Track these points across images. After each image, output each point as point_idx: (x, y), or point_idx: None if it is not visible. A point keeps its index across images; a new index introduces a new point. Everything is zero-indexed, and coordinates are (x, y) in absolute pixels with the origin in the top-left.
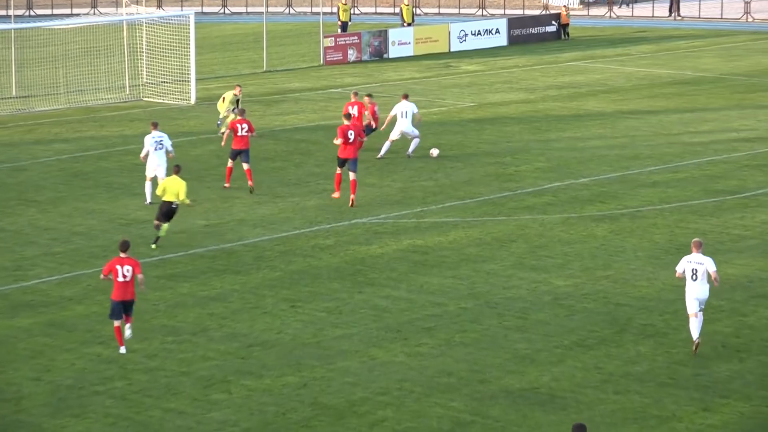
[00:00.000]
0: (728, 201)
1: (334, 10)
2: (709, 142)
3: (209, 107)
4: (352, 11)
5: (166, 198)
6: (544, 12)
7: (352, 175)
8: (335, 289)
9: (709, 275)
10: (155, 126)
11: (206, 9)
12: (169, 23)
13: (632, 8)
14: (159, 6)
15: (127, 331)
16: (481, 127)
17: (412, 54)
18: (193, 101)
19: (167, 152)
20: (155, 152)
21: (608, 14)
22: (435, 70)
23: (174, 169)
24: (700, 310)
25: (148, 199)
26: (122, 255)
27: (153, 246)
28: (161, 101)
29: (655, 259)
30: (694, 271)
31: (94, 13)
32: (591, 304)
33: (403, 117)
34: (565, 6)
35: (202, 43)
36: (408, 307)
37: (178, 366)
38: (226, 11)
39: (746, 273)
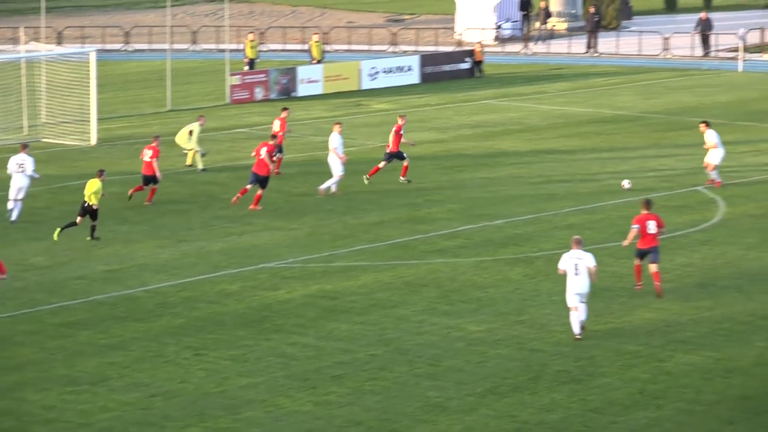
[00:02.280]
0: None
1: (241, 46)
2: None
3: (111, 148)
4: (259, 48)
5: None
6: (457, 48)
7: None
8: (241, 336)
9: (589, 270)
10: (24, 148)
11: (108, 46)
12: (70, 61)
13: (548, 44)
14: (59, 43)
15: None
16: (391, 167)
17: (321, 92)
18: (94, 142)
19: (30, 176)
20: (16, 174)
21: (524, 51)
22: (345, 108)
23: (97, 173)
24: (581, 302)
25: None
26: None
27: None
28: (61, 142)
29: None
30: (576, 266)
31: None
32: (505, 350)
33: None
34: (479, 42)
35: (103, 82)
36: (316, 355)
37: (77, 417)
38: (129, 48)
39: (663, 317)
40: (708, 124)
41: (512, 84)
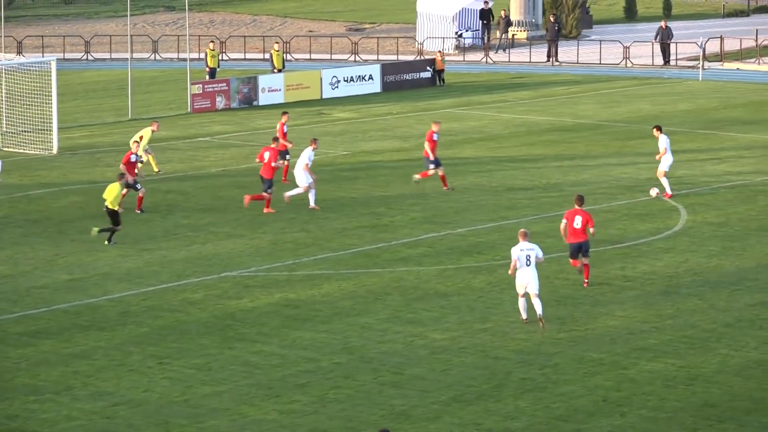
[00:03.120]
0: (608, 251)
1: (202, 56)
2: (588, 191)
3: (72, 157)
4: (220, 57)
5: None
6: (418, 57)
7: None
8: (204, 344)
9: (537, 260)
10: None
11: (68, 55)
12: (30, 70)
13: (509, 53)
14: (19, 52)
15: None
16: (354, 176)
17: (282, 101)
18: (55, 151)
19: None
20: None
21: (485, 60)
22: (306, 117)
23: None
24: (536, 295)
25: None
26: None
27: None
28: (22, 151)
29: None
30: (528, 258)
31: None
32: (469, 358)
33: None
34: (440, 51)
35: (64, 91)
36: (280, 363)
37: (40, 427)
38: (89, 57)
39: (627, 325)
40: (660, 129)
41: (473, 93)
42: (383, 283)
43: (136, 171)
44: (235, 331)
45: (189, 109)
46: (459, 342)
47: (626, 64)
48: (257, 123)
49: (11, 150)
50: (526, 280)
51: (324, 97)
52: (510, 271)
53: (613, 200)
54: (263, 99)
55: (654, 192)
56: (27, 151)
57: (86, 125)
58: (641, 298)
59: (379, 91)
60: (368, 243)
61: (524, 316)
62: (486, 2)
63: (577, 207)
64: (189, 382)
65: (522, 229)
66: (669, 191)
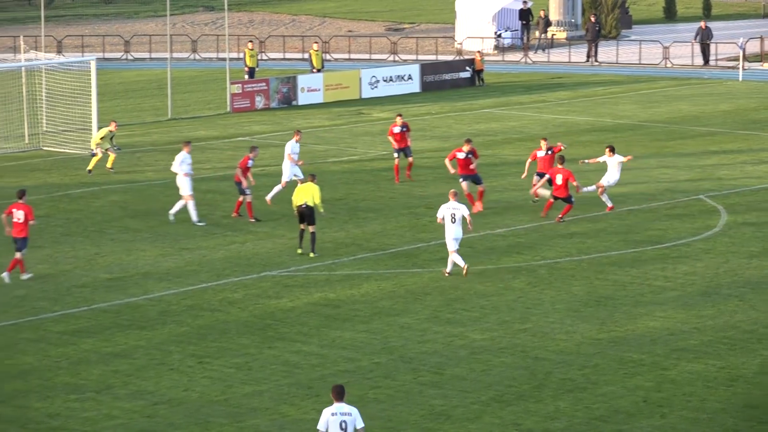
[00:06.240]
0: (648, 251)
1: (241, 55)
2: (628, 192)
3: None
4: (259, 57)
5: (298, 202)
6: (457, 57)
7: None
8: (244, 344)
9: (464, 219)
10: None
11: (108, 55)
12: (70, 70)
13: (548, 54)
14: (59, 52)
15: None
16: (393, 176)
17: (321, 101)
18: (95, 146)
19: None
20: None
21: (524, 60)
22: (346, 117)
23: (309, 176)
24: (455, 250)
25: None
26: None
27: (300, 252)
28: (62, 150)
29: (574, 312)
30: (453, 216)
31: None
32: (508, 359)
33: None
34: (479, 51)
35: (103, 90)
36: (320, 363)
37: (81, 426)
38: (129, 57)
39: (667, 325)
40: (613, 150)
41: (512, 93)
42: (423, 283)
43: (248, 176)
44: (275, 331)
45: (228, 109)
46: (499, 342)
47: (666, 64)
48: (296, 123)
49: (51, 149)
50: (452, 236)
51: (363, 96)
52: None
53: (653, 201)
54: (302, 99)
55: (589, 189)
56: (67, 150)
57: (125, 125)
58: (681, 299)
59: (418, 91)
60: (407, 243)
61: (448, 269)
62: (525, 2)
63: (559, 166)
64: (229, 381)
65: (452, 189)
66: (609, 203)
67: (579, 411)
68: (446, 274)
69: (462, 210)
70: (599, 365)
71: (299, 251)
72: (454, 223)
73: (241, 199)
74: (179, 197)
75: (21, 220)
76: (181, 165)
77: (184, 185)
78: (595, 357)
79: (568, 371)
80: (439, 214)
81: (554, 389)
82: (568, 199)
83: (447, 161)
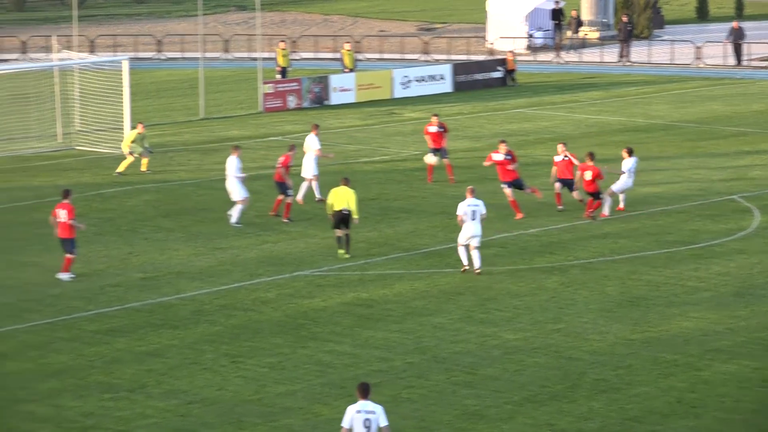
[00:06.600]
0: (681, 252)
1: (273, 55)
2: (661, 192)
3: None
4: (291, 57)
5: (337, 207)
6: (489, 57)
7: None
8: (277, 343)
9: (481, 216)
10: None
11: (140, 54)
12: (102, 69)
13: (580, 53)
14: (91, 52)
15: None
16: (425, 175)
17: (353, 101)
18: (127, 150)
19: None
20: None
21: (556, 60)
22: (378, 117)
23: (342, 180)
24: (476, 248)
25: None
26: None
27: (343, 253)
28: (94, 150)
29: (607, 312)
30: (474, 213)
31: (25, 59)
32: (542, 359)
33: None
34: (511, 51)
35: (135, 90)
36: (353, 363)
37: (115, 425)
38: (161, 57)
39: (700, 326)
40: (630, 152)
41: (544, 93)
42: (456, 283)
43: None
44: (308, 331)
45: (261, 109)
46: (532, 342)
47: (698, 64)
48: (328, 122)
49: (84, 148)
50: (470, 233)
51: (395, 96)
52: (459, 222)
53: (686, 201)
54: (334, 98)
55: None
56: (99, 150)
57: (158, 124)
58: (715, 299)
59: (450, 90)
60: (440, 243)
61: (465, 263)
62: (557, 2)
63: (589, 161)
64: (262, 380)
65: (470, 186)
66: (606, 211)
67: (613, 411)
68: (464, 267)
69: (481, 207)
70: (633, 366)
71: (346, 255)
72: (473, 220)
73: (281, 198)
74: (225, 199)
75: (64, 220)
76: (237, 170)
77: (237, 189)
78: (629, 357)
79: (602, 372)
80: (460, 211)
81: (588, 390)
82: (596, 195)
83: (486, 164)
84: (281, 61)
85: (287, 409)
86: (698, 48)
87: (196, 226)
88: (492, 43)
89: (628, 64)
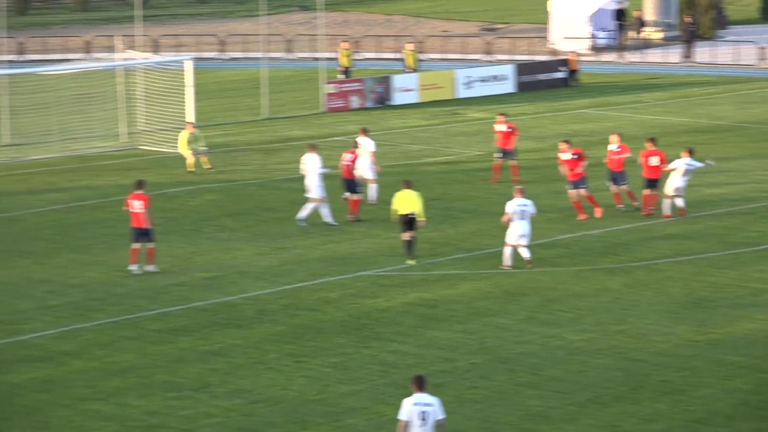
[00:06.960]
0: (746, 253)
1: (335, 55)
2: (725, 193)
3: (207, 155)
4: (353, 57)
5: (402, 211)
6: (552, 57)
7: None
8: (341, 343)
9: (530, 215)
10: None
11: (203, 54)
12: (166, 69)
13: (643, 54)
14: (155, 52)
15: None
16: (489, 176)
17: (416, 101)
18: (188, 152)
19: None
20: None
21: (619, 60)
22: (441, 117)
23: (404, 183)
24: (525, 246)
25: None
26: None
27: (410, 261)
28: (158, 149)
29: (672, 314)
30: (523, 212)
31: (88, 59)
32: (606, 360)
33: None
34: (573, 51)
35: (199, 90)
36: (416, 363)
37: (179, 423)
38: (224, 56)
39: (765, 328)
40: (691, 152)
41: (608, 93)
42: (519, 283)
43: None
44: (371, 331)
45: (323, 109)
46: (596, 343)
47: (762, 64)
48: (391, 123)
49: (147, 148)
50: (519, 232)
51: (458, 96)
52: (503, 221)
53: (751, 202)
54: (397, 98)
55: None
56: (163, 149)
57: (221, 124)
58: None
59: (513, 91)
60: (502, 244)
61: (509, 263)
62: (620, 2)
63: (651, 146)
64: (326, 380)
65: (518, 186)
66: (668, 212)
67: (677, 413)
68: (505, 268)
69: (530, 207)
70: (697, 367)
71: (413, 262)
72: (523, 219)
73: (353, 197)
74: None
75: (139, 211)
76: (320, 167)
77: (316, 187)
78: (693, 359)
79: (666, 373)
80: (509, 210)
81: (652, 391)
82: (654, 184)
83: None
84: (344, 61)
85: (350, 409)
86: (762, 48)
87: (259, 226)
88: (555, 44)
89: (692, 64)
